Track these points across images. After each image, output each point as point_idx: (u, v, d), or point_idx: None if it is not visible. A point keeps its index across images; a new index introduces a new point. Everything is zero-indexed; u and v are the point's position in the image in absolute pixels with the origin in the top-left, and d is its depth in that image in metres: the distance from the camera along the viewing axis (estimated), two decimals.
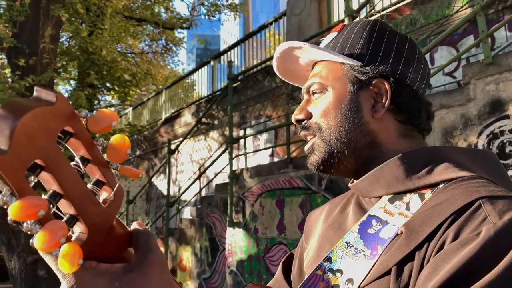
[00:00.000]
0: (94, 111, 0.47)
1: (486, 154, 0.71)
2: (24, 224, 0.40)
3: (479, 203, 0.55)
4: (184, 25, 11.10)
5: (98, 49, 8.46)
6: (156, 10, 10.72)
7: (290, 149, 4.75)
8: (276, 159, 6.60)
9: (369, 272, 0.60)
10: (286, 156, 4.75)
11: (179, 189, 9.12)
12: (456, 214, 0.55)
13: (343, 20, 3.85)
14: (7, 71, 6.90)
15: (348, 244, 0.66)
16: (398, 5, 4.72)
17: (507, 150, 2.62)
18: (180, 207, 7.48)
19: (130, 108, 13.68)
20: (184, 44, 13.55)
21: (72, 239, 0.45)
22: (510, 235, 0.51)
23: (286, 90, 6.41)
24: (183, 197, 7.45)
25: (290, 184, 4.22)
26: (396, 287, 0.57)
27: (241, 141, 6.62)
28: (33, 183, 0.41)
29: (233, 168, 5.15)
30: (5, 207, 0.38)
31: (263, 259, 4.51)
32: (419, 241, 0.56)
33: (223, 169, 5.96)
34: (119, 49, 11.94)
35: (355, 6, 3.62)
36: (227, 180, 5.27)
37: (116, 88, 10.16)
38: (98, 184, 0.48)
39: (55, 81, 7.44)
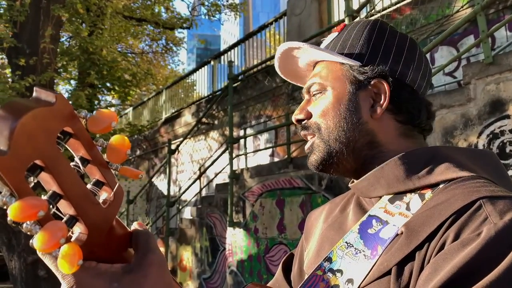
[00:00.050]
0: (94, 111, 0.47)
1: (487, 154, 0.71)
2: (24, 225, 0.40)
3: (479, 203, 0.55)
4: (184, 25, 11.11)
5: (99, 49, 8.47)
6: (157, 10, 10.73)
7: (290, 149, 4.75)
8: (276, 159, 6.60)
9: (369, 272, 0.60)
10: (286, 156, 4.76)
11: (180, 189, 9.12)
12: (456, 214, 0.55)
13: (343, 20, 3.85)
14: (8, 71, 6.91)
15: (348, 244, 0.66)
16: (398, 5, 4.72)
17: (507, 150, 2.62)
18: (180, 207, 7.48)
19: (130, 108, 13.69)
20: (184, 44, 13.56)
21: (72, 239, 0.45)
22: (511, 235, 0.51)
23: (286, 90, 6.42)
24: (183, 197, 7.45)
25: (291, 184, 4.22)
26: (396, 287, 0.57)
27: (242, 141, 6.62)
28: (32, 184, 0.41)
29: (234, 168, 5.15)
30: (5, 207, 0.38)
31: (263, 259, 4.51)
32: (419, 241, 0.56)
33: (223, 169, 5.96)
34: (119, 49, 11.95)
35: (355, 6, 3.62)
36: (227, 180, 5.27)
37: (116, 88, 10.18)
38: (98, 184, 0.48)
39: (55, 81, 7.44)
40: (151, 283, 0.49)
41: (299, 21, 7.06)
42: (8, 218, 0.38)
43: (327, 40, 0.79)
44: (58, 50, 7.25)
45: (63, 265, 0.42)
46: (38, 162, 0.40)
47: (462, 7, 4.07)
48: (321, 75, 0.76)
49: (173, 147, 6.92)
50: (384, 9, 4.54)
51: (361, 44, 0.73)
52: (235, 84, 6.48)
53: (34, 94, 0.43)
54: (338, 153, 0.72)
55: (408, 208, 0.63)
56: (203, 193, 7.16)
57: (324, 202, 3.48)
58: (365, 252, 0.62)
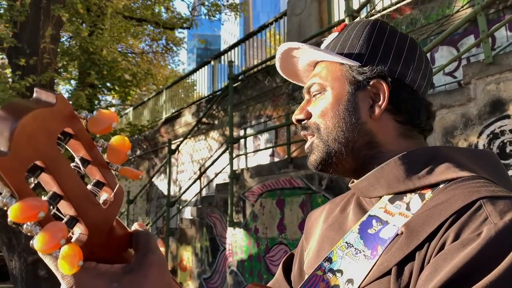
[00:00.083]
0: (95, 112, 0.47)
1: (487, 154, 0.71)
2: (24, 226, 0.40)
3: (479, 203, 0.55)
4: (184, 25, 11.11)
5: (99, 49, 8.47)
6: (157, 10, 10.73)
7: (291, 149, 4.75)
8: (276, 159, 6.60)
9: (369, 272, 0.60)
10: (286, 156, 4.75)
11: (180, 189, 9.12)
12: (456, 214, 0.55)
13: (343, 20, 3.85)
14: (8, 71, 6.91)
15: (349, 244, 0.66)
16: (398, 5, 4.72)
17: (507, 150, 2.62)
18: (180, 207, 7.48)
19: (131, 108, 13.68)
20: (184, 44, 13.56)
21: (72, 240, 0.45)
22: (511, 236, 0.51)
23: (287, 90, 6.41)
24: (183, 197, 7.45)
25: (291, 184, 4.22)
26: (396, 287, 0.57)
27: (242, 141, 6.62)
28: (33, 185, 0.41)
29: (234, 168, 5.15)
30: (5, 208, 0.38)
31: (264, 259, 4.51)
32: (419, 241, 0.56)
33: (223, 169, 5.96)
34: (119, 49, 11.95)
35: (355, 6, 3.62)
36: (227, 180, 5.27)
37: (117, 88, 10.17)
38: (98, 185, 0.48)
39: (55, 81, 7.45)
40: (151, 283, 0.49)
41: (299, 21, 7.05)
42: (8, 219, 0.38)
43: (327, 40, 0.80)
44: (58, 50, 7.25)
45: (63, 265, 0.42)
46: (38, 163, 0.40)
47: (462, 7, 4.07)
48: (321, 75, 0.76)
49: (173, 147, 6.92)
50: (384, 9, 4.54)
51: (360, 44, 0.73)
52: (235, 84, 6.48)
53: (35, 94, 0.43)
54: (337, 153, 0.72)
55: (408, 208, 0.63)
56: (203, 193, 7.16)
57: (324, 202, 3.48)
58: (365, 252, 0.62)
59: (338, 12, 6.37)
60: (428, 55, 4.33)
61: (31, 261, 5.98)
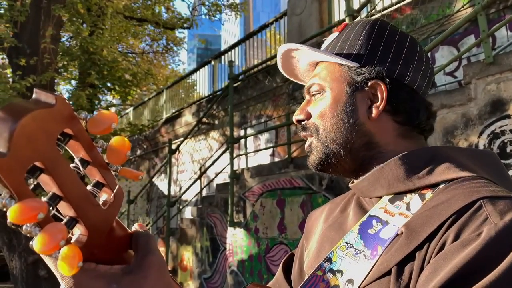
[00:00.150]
0: (95, 112, 0.47)
1: (487, 154, 0.71)
2: (24, 227, 0.40)
3: (480, 204, 0.55)
4: (185, 25, 11.11)
5: (99, 49, 8.48)
6: (157, 10, 10.73)
7: (291, 149, 4.75)
8: (276, 159, 6.60)
9: (369, 273, 0.60)
10: (286, 156, 4.75)
11: (180, 189, 9.12)
12: (457, 214, 0.55)
13: (343, 20, 3.85)
14: (8, 71, 6.91)
15: (349, 244, 0.66)
16: (399, 5, 4.72)
17: (508, 150, 2.62)
18: (181, 207, 7.48)
19: (131, 108, 13.69)
20: (184, 44, 13.56)
21: (72, 241, 0.45)
22: (511, 236, 0.51)
23: (287, 90, 6.41)
24: (184, 197, 7.45)
25: (291, 184, 4.22)
26: (396, 287, 0.57)
27: (242, 141, 6.62)
28: (32, 186, 0.41)
29: (234, 168, 5.15)
30: (5, 210, 0.38)
31: (264, 259, 4.51)
32: (419, 241, 0.56)
33: (223, 169, 5.97)
34: (120, 49, 11.95)
35: (355, 6, 3.62)
36: (227, 180, 5.27)
37: (117, 88, 10.18)
38: (98, 186, 0.48)
39: (56, 81, 7.45)
40: (150, 284, 0.49)
41: (299, 21, 7.05)
42: (8, 220, 0.38)
43: (328, 40, 0.80)
44: (58, 50, 7.25)
45: (62, 267, 0.42)
46: (38, 163, 0.40)
47: (462, 6, 4.07)
48: (320, 76, 0.76)
49: (173, 147, 6.92)
50: (384, 9, 4.53)
51: (359, 44, 0.73)
52: (236, 84, 6.48)
53: (34, 95, 0.42)
54: (336, 153, 0.72)
55: (408, 208, 0.63)
56: (204, 193, 7.17)
57: (324, 202, 3.48)
58: (365, 252, 0.62)
59: (339, 12, 6.37)
60: (429, 55, 4.32)
61: (31, 261, 5.99)
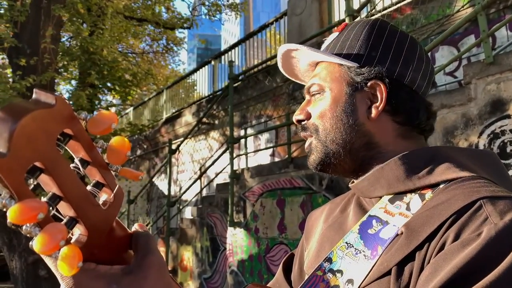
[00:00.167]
0: (95, 112, 0.47)
1: (487, 154, 0.71)
2: (24, 227, 0.40)
3: (480, 204, 0.55)
4: (185, 25, 11.11)
5: (99, 49, 8.48)
6: (157, 10, 10.74)
7: (291, 149, 4.75)
8: (277, 159, 6.60)
9: (369, 273, 0.60)
10: (287, 156, 4.75)
11: (180, 189, 9.13)
12: (456, 214, 0.55)
13: (343, 20, 3.84)
14: (8, 71, 6.91)
15: (349, 244, 0.66)
16: (399, 5, 4.72)
17: (508, 150, 2.62)
18: (181, 207, 7.48)
19: (131, 108, 13.69)
20: (185, 44, 13.56)
21: (72, 241, 0.45)
22: (511, 236, 0.51)
23: (287, 89, 6.41)
24: (184, 197, 7.45)
25: (291, 184, 4.22)
26: (396, 287, 0.57)
27: (242, 141, 6.62)
28: (32, 186, 0.41)
29: (234, 168, 5.14)
30: (4, 210, 0.38)
31: (264, 259, 4.51)
32: (419, 241, 0.57)
33: (224, 169, 5.97)
34: (120, 49, 11.95)
35: (356, 6, 3.62)
36: (228, 180, 5.27)
37: (117, 88, 10.18)
38: (98, 186, 0.48)
39: (56, 81, 7.45)
40: (150, 284, 0.49)
41: (299, 21, 7.05)
42: (8, 221, 0.38)
43: (328, 40, 0.80)
44: (58, 50, 7.25)
45: (62, 267, 0.42)
46: (37, 164, 0.40)
47: (462, 6, 4.07)
48: (320, 76, 0.76)
49: (173, 147, 6.92)
50: (384, 8, 4.53)
51: (359, 44, 0.73)
52: (236, 84, 6.48)
53: (34, 96, 0.42)
54: (335, 154, 0.72)
55: (408, 208, 0.63)
56: (204, 193, 7.17)
57: (324, 202, 3.48)
58: (365, 252, 0.62)
59: (339, 12, 6.37)
60: (429, 55, 4.32)
61: (31, 261, 5.99)
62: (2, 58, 7.53)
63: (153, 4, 10.43)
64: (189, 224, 6.24)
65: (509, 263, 0.48)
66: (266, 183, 4.58)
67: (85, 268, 0.47)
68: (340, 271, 0.64)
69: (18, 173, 0.38)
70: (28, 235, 0.40)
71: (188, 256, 6.25)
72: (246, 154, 6.59)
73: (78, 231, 0.46)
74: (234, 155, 5.41)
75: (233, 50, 8.89)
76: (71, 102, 7.67)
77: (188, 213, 7.47)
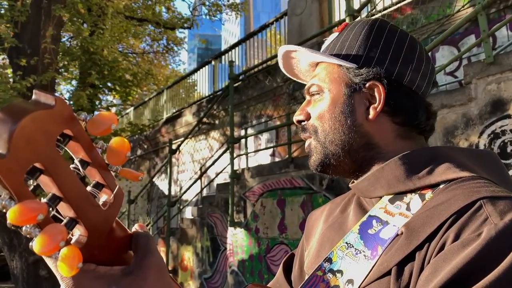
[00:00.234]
0: (95, 112, 0.47)
1: (488, 154, 0.71)
2: (24, 228, 0.40)
3: (480, 204, 0.55)
4: (185, 25, 11.12)
5: (100, 49, 8.49)
6: (157, 10, 10.74)
7: (291, 149, 4.74)
8: (277, 159, 6.60)
9: (369, 273, 0.60)
10: (287, 156, 4.75)
11: (181, 189, 9.13)
12: (457, 214, 0.55)
13: (344, 20, 3.84)
14: (9, 71, 6.92)
15: (349, 244, 0.66)
16: (399, 5, 4.72)
17: (508, 150, 2.61)
18: (181, 207, 7.49)
19: (132, 108, 13.69)
20: (185, 44, 13.57)
21: (72, 242, 0.45)
22: (511, 236, 0.51)
23: (287, 89, 6.41)
24: (184, 197, 7.45)
25: (291, 184, 4.22)
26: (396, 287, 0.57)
27: (242, 140, 6.62)
28: (32, 187, 0.41)
29: (234, 168, 5.14)
30: (4, 211, 0.38)
31: (264, 259, 4.51)
32: (419, 241, 0.56)
33: (224, 169, 5.97)
34: (120, 49, 11.96)
35: (356, 6, 3.61)
36: (228, 180, 5.27)
37: (118, 88, 10.19)
38: (98, 186, 0.48)
39: (56, 81, 7.46)
40: (150, 285, 0.49)
41: (299, 21, 7.05)
42: (8, 222, 0.38)
43: (328, 40, 0.80)
44: (59, 50, 7.26)
45: (62, 267, 0.42)
46: (37, 165, 0.40)
47: (463, 6, 4.07)
48: (320, 76, 0.76)
49: (174, 147, 6.92)
50: (385, 8, 4.53)
51: (358, 45, 0.73)
52: (236, 84, 6.48)
53: (34, 96, 0.42)
54: (335, 155, 0.72)
55: (408, 209, 0.63)
56: (204, 193, 7.17)
57: (325, 202, 3.48)
58: (365, 252, 0.62)
59: (339, 12, 6.37)
60: (429, 54, 4.32)
61: (32, 261, 5.99)
62: (3, 58, 7.54)
63: (154, 4, 10.44)
64: (190, 224, 6.24)
65: (509, 263, 0.48)
66: (266, 183, 4.58)
67: (85, 269, 0.46)
68: (340, 271, 0.64)
69: (18, 174, 0.38)
70: (28, 236, 0.40)
71: (188, 256, 6.25)
72: (246, 154, 6.59)
73: (78, 232, 0.46)
74: (235, 155, 5.41)
75: (233, 50, 8.89)
76: (71, 102, 7.69)
77: (189, 213, 7.48)
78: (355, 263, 0.63)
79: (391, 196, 0.67)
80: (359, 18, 3.41)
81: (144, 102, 13.00)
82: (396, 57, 0.71)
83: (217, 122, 8.40)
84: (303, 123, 0.77)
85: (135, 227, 0.56)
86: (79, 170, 0.46)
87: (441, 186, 0.62)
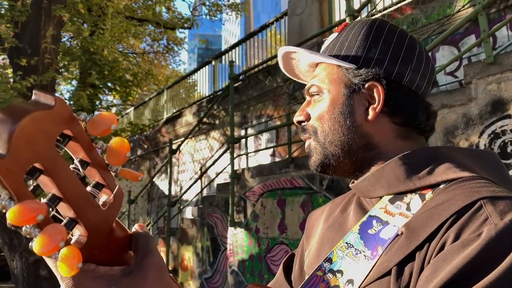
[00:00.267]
0: (95, 112, 0.47)
1: (488, 154, 0.71)
2: (23, 228, 0.40)
3: (480, 204, 0.55)
4: (185, 25, 11.12)
5: (100, 49, 8.49)
6: (158, 10, 10.74)
7: (292, 149, 4.74)
8: (277, 159, 6.60)
9: (369, 273, 0.60)
10: (287, 156, 4.75)
11: (181, 189, 9.13)
12: (457, 214, 0.55)
13: (344, 20, 3.84)
14: (9, 71, 6.92)
15: (349, 244, 0.66)
16: (399, 5, 4.72)
17: (508, 150, 2.61)
18: (181, 207, 7.49)
19: (132, 108, 13.69)
20: (185, 44, 13.57)
21: (72, 242, 0.45)
22: (511, 236, 0.51)
23: (287, 89, 6.41)
24: (184, 197, 7.45)
25: (292, 184, 4.22)
26: None
27: (243, 140, 6.62)
28: (32, 187, 0.41)
29: (235, 168, 5.14)
30: (4, 211, 0.38)
31: (265, 259, 4.51)
32: (419, 241, 0.56)
33: (224, 169, 5.97)
34: (120, 49, 11.96)
35: (356, 6, 3.61)
36: (228, 180, 5.27)
37: (118, 88, 10.19)
38: (98, 186, 0.48)
39: (56, 81, 7.46)
40: (150, 285, 0.49)
41: (300, 20, 7.05)
42: (7, 222, 0.38)
43: (327, 40, 0.80)
44: (59, 50, 7.26)
45: (62, 268, 0.42)
46: (37, 165, 0.40)
47: (463, 6, 4.07)
48: (319, 77, 0.76)
49: (174, 147, 6.92)
50: (385, 8, 4.53)
51: (357, 45, 0.72)
52: (236, 84, 6.48)
53: (33, 97, 0.42)
54: (334, 156, 0.72)
55: (408, 209, 0.63)
56: (204, 193, 7.17)
57: (325, 202, 3.48)
58: (365, 252, 0.62)
59: (339, 12, 6.36)
60: (429, 54, 4.32)
61: (32, 261, 5.99)
62: (3, 58, 7.54)
63: (154, 4, 10.44)
64: (190, 224, 6.24)
65: (509, 263, 0.48)
66: (266, 183, 4.58)
67: (85, 269, 0.47)
68: (340, 271, 0.64)
69: (18, 174, 0.38)
70: (28, 236, 0.40)
71: (188, 256, 6.25)
72: (246, 154, 6.60)
73: (77, 232, 0.46)
74: (235, 155, 5.41)
75: (233, 50, 8.89)
76: (71, 102, 7.70)
77: (189, 213, 7.47)
78: (355, 263, 0.63)
79: (391, 196, 0.67)
80: (359, 18, 3.41)
81: (144, 102, 13.00)
82: (395, 57, 0.71)
83: (217, 122, 8.40)
84: (303, 124, 0.77)
85: (135, 227, 0.56)
86: (79, 170, 0.46)
87: (441, 186, 0.62)
